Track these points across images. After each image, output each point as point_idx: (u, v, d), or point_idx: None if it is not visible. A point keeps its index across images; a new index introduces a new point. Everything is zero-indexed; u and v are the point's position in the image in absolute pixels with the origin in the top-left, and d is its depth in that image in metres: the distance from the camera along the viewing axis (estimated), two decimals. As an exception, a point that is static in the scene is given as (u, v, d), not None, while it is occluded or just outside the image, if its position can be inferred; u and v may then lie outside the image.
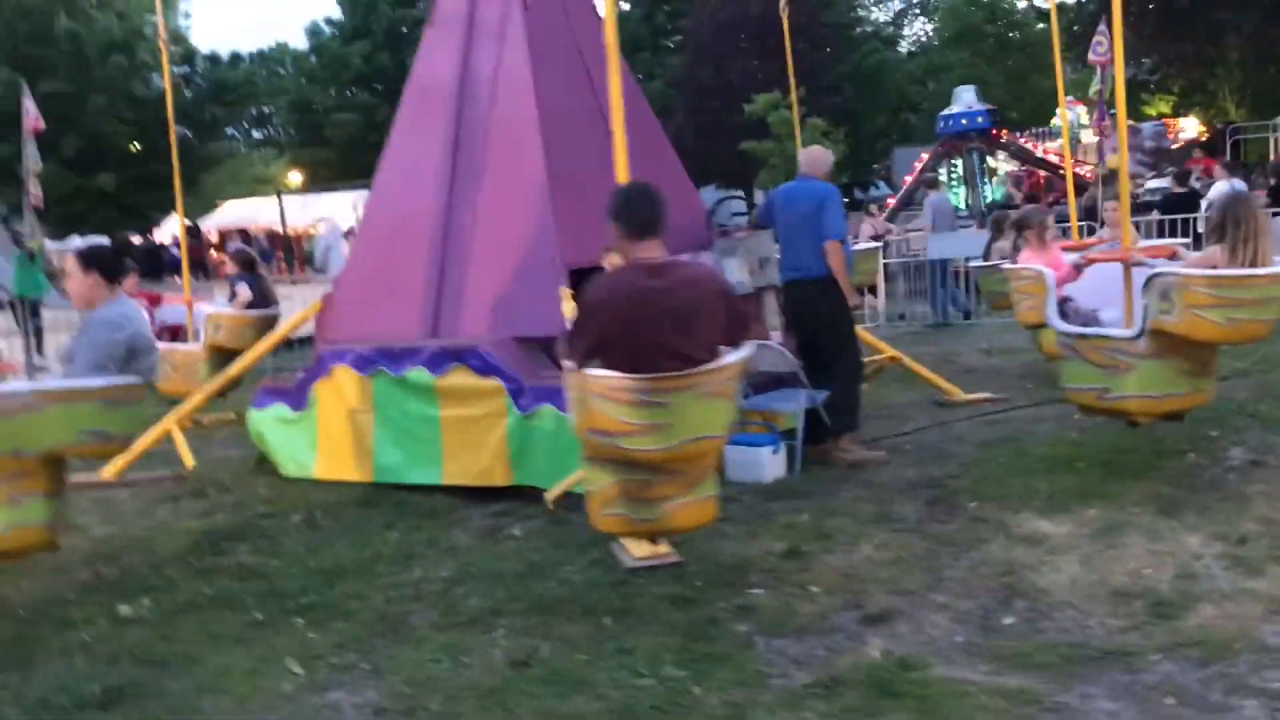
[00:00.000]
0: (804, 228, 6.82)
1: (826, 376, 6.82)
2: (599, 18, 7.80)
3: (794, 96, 10.65)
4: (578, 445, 5.92)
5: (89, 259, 5.24)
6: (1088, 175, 18.46)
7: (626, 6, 40.91)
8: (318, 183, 40.82)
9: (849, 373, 6.87)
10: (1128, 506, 5.30)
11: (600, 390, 4.24)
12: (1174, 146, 23.59)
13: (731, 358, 4.39)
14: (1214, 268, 5.59)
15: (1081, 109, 20.57)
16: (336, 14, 43.45)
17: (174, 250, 30.59)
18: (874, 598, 4.45)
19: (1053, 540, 4.93)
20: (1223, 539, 4.76)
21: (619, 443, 4.27)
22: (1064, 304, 7.00)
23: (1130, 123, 23.73)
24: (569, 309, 6.16)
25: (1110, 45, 13.75)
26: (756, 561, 5.02)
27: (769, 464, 6.50)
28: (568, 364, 4.53)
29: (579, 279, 6.47)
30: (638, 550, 5.14)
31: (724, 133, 32.59)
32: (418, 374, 6.60)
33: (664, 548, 5.15)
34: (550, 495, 5.96)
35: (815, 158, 7.31)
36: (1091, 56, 12.25)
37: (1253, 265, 5.51)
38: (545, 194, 6.59)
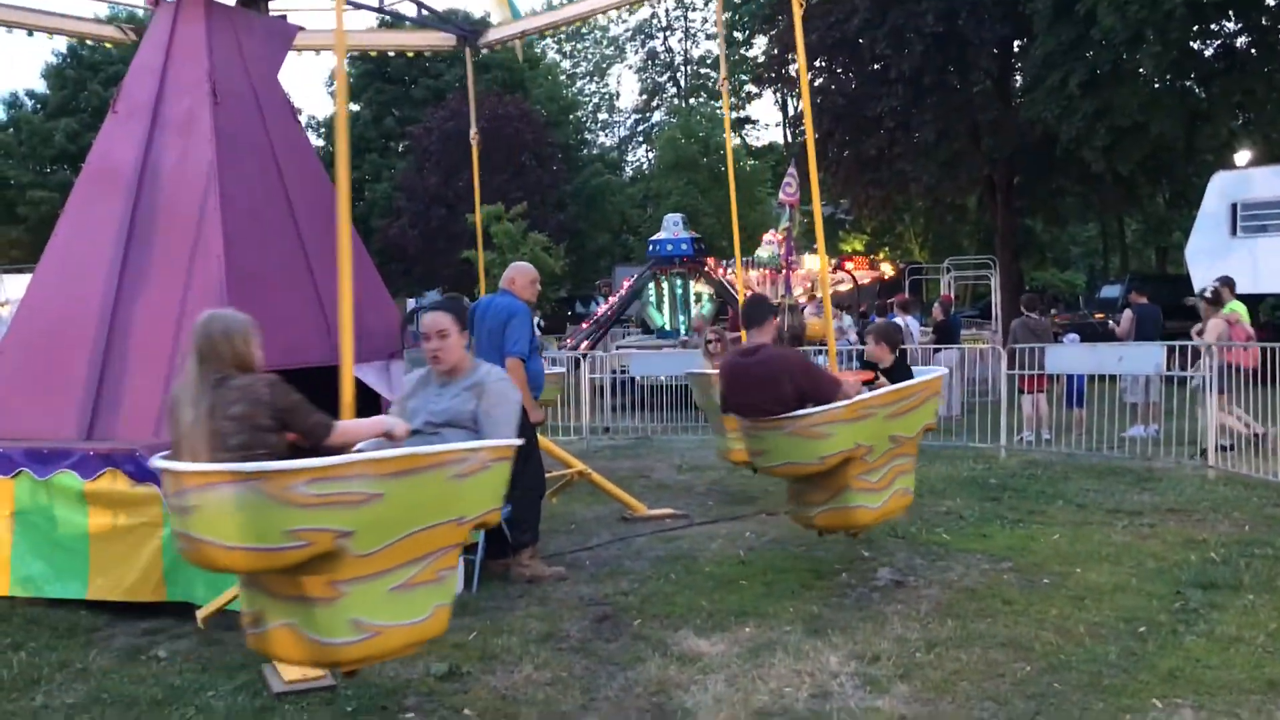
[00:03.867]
0: (492, 342, 6.88)
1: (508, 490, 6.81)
2: (295, 117, 7.72)
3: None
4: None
5: (464, 317, 4.78)
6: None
7: (356, 108, 40.78)
8: (7, 263, 37.79)
9: (529, 487, 6.89)
10: (780, 625, 5.54)
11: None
12: (864, 284, 25.56)
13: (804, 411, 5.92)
14: None
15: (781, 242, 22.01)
16: (39, 86, 40.89)
17: None
18: (527, 720, 4.40)
19: (706, 659, 5.06)
20: (859, 658, 5.03)
21: (760, 461, 6.33)
22: None
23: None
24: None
25: (798, 186, 14.93)
26: (415, 683, 4.87)
27: (445, 579, 6.37)
28: None
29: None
30: (289, 674, 4.88)
31: (448, 239, 32.81)
32: (66, 478, 6.09)
33: (317, 671, 4.92)
34: (203, 613, 5.59)
35: (513, 273, 7.39)
36: (782, 196, 13.22)
37: None
38: (222, 293, 6.32)
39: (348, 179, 4.34)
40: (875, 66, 25.26)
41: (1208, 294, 11.96)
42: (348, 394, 4.16)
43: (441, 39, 9.67)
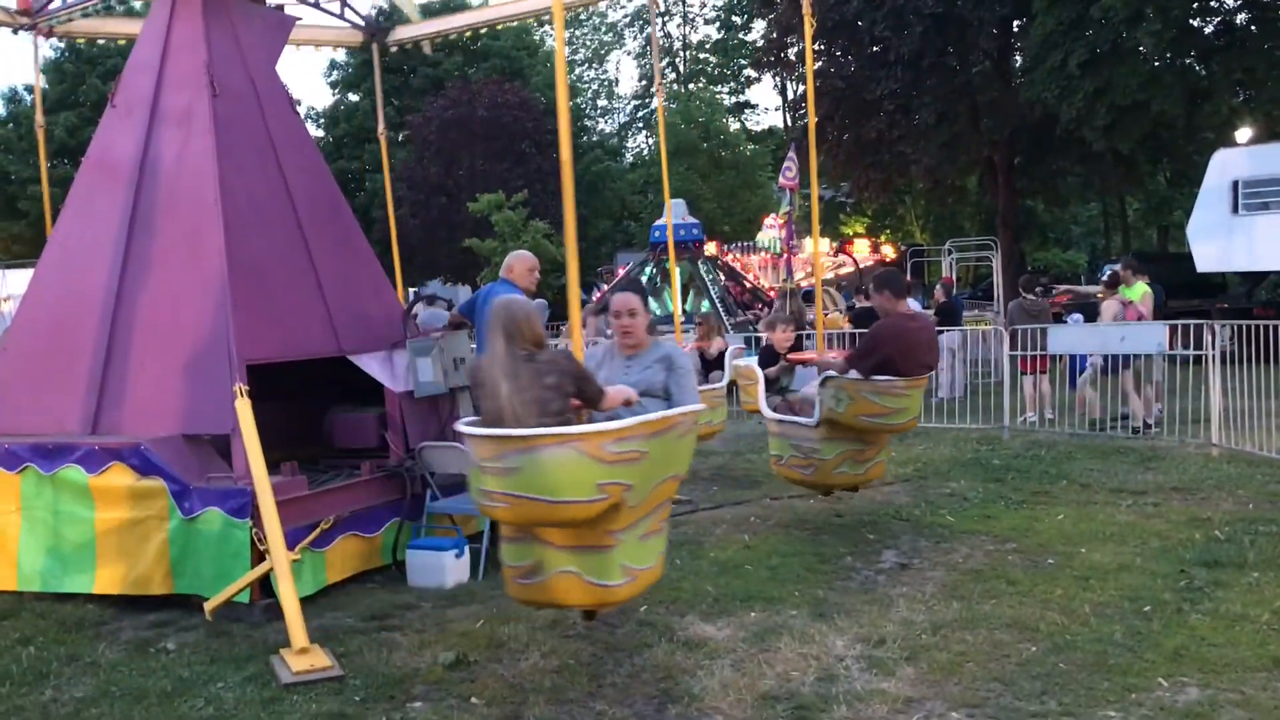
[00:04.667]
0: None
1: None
2: (294, 110, 7.70)
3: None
4: (243, 551, 5.72)
5: (647, 298, 5.08)
6: (770, 291, 19.75)
7: (355, 98, 40.64)
8: (10, 258, 37.81)
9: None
10: (785, 609, 5.56)
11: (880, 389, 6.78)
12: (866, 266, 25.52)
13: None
14: None
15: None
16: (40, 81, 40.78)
17: None
18: (534, 708, 4.42)
19: (712, 644, 5.08)
20: (864, 640, 5.05)
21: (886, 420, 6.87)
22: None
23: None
24: (243, 407, 5.91)
25: (798, 170, 14.89)
26: (423, 672, 4.88)
27: (451, 568, 6.40)
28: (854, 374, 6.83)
29: (257, 375, 6.23)
30: (297, 664, 4.90)
31: (450, 229, 32.73)
32: (71, 472, 6.12)
33: (325, 661, 4.94)
34: (211, 605, 5.61)
35: (511, 261, 7.41)
36: (781, 180, 13.18)
37: None
38: (224, 284, 6.32)
39: (569, 156, 4.61)
40: (874, 49, 25.18)
41: (1105, 277, 12.38)
42: (578, 354, 4.69)
43: (348, 35, 9.52)
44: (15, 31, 8.76)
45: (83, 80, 38.82)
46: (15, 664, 5.14)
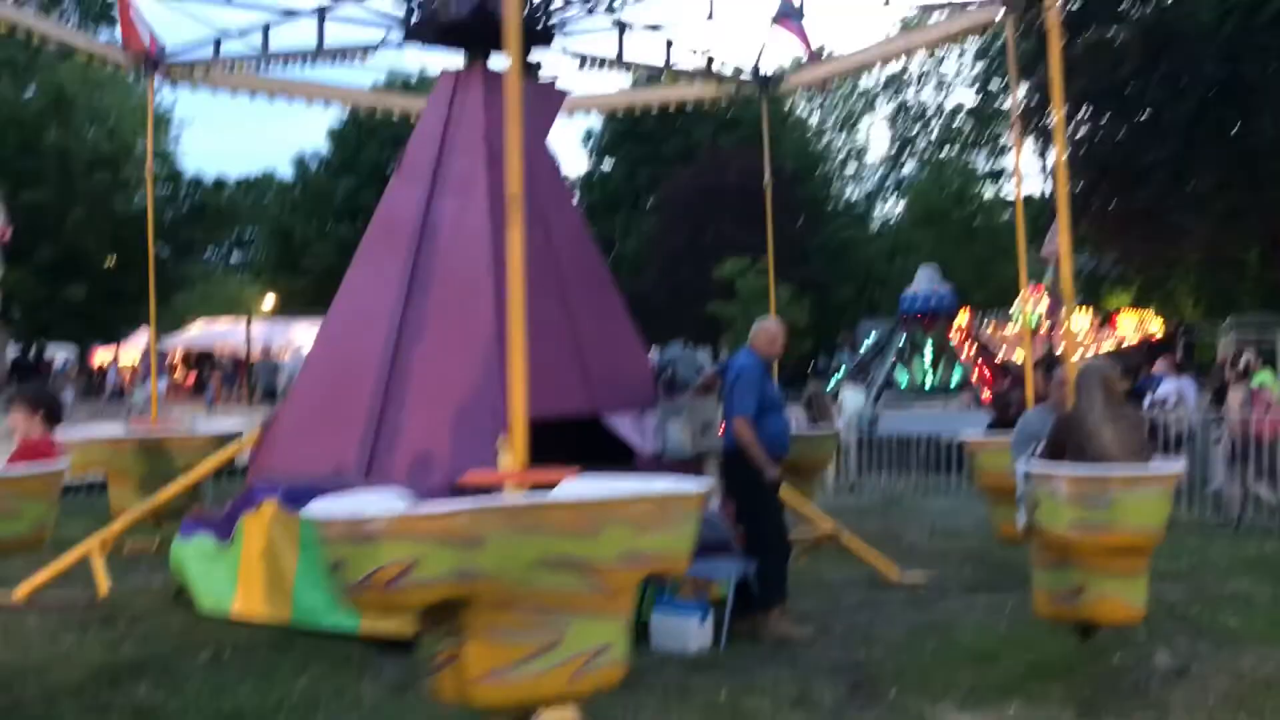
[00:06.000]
0: (727, 399, 6.94)
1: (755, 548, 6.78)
2: (561, 176, 8.04)
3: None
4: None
5: None
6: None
7: (608, 167, 42.14)
8: (290, 309, 41.09)
9: (769, 545, 6.78)
10: (1048, 706, 5.22)
11: None
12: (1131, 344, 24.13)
13: None
14: None
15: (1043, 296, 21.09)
16: (325, 148, 44.52)
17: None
18: (781, 786, 4.31)
19: (969, 736, 4.83)
20: (1139, 749, 4.68)
21: None
22: None
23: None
24: (507, 460, 6.11)
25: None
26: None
27: (695, 634, 6.37)
28: None
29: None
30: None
31: (695, 292, 33.25)
32: (345, 515, 6.48)
33: (573, 716, 4.99)
34: (466, 652, 5.78)
35: (755, 329, 7.34)
36: (1044, 250, 12.66)
37: None
38: (493, 342, 6.62)
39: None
40: (1144, 116, 23.94)
41: (1240, 366, 12.55)
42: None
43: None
44: (138, 74, 9.67)
45: (362, 148, 42.03)
46: (290, 694, 5.47)
